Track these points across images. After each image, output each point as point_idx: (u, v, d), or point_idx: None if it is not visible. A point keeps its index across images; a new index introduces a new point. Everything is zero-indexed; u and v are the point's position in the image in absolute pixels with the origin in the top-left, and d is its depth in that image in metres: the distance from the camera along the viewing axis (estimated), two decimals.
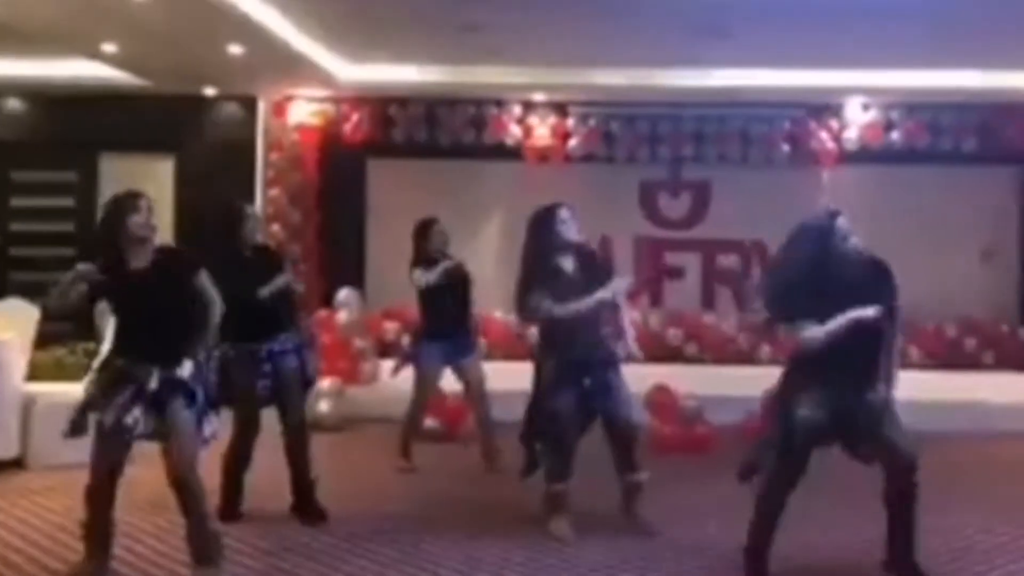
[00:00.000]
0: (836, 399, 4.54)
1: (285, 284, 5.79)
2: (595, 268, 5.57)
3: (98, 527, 4.56)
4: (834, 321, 4.42)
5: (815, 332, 4.45)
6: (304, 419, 5.86)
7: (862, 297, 4.45)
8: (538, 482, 5.61)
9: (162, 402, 4.44)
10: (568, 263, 5.49)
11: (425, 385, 7.09)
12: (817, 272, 4.50)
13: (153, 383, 4.43)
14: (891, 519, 4.66)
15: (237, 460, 5.69)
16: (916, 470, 4.56)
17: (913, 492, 4.58)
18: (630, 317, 5.86)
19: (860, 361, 4.54)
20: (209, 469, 5.62)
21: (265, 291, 5.63)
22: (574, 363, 5.42)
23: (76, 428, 4.53)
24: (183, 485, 4.49)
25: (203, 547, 4.57)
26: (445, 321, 7.00)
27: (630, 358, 5.61)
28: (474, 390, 7.13)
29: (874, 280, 4.57)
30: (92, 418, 4.49)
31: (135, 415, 4.41)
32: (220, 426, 4.75)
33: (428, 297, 7.02)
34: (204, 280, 4.63)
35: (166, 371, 4.46)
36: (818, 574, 4.97)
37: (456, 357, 7.03)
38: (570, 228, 5.50)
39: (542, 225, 5.51)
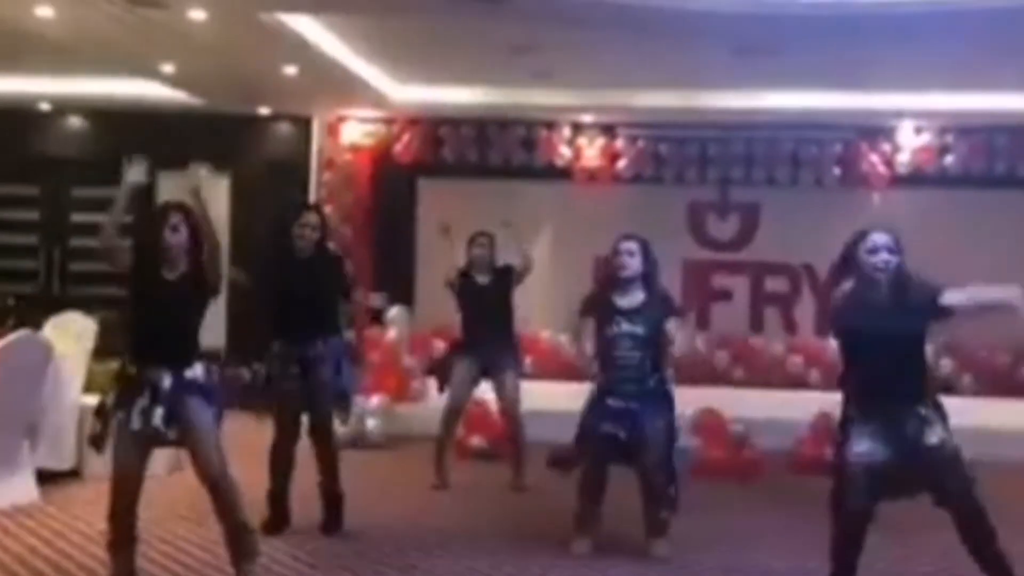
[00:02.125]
0: (889, 432, 4.31)
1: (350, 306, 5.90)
2: (653, 312, 5.53)
3: (119, 535, 4.57)
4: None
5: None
6: (329, 431, 5.84)
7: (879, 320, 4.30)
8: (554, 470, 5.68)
9: (179, 403, 4.48)
10: (626, 300, 5.51)
11: (453, 396, 7.18)
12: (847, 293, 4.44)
13: (166, 383, 4.47)
14: (968, 547, 4.40)
15: (276, 461, 5.76)
16: (985, 515, 4.31)
17: (988, 533, 4.32)
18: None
19: (892, 383, 4.30)
20: (256, 479, 5.75)
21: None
22: (607, 390, 5.48)
23: (98, 440, 4.57)
24: (215, 486, 4.52)
25: (241, 548, 4.60)
26: (478, 334, 7.10)
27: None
28: (503, 406, 7.19)
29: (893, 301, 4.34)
30: (113, 425, 4.51)
31: (159, 416, 4.45)
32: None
33: (461, 309, 7.15)
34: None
35: (177, 373, 4.50)
36: None
37: (491, 370, 7.11)
38: (628, 263, 5.51)
39: (609, 257, 5.60)
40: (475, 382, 7.24)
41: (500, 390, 7.16)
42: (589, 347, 5.62)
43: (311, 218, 5.86)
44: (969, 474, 4.34)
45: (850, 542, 4.39)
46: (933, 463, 4.30)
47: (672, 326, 5.53)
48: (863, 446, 4.31)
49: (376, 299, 5.88)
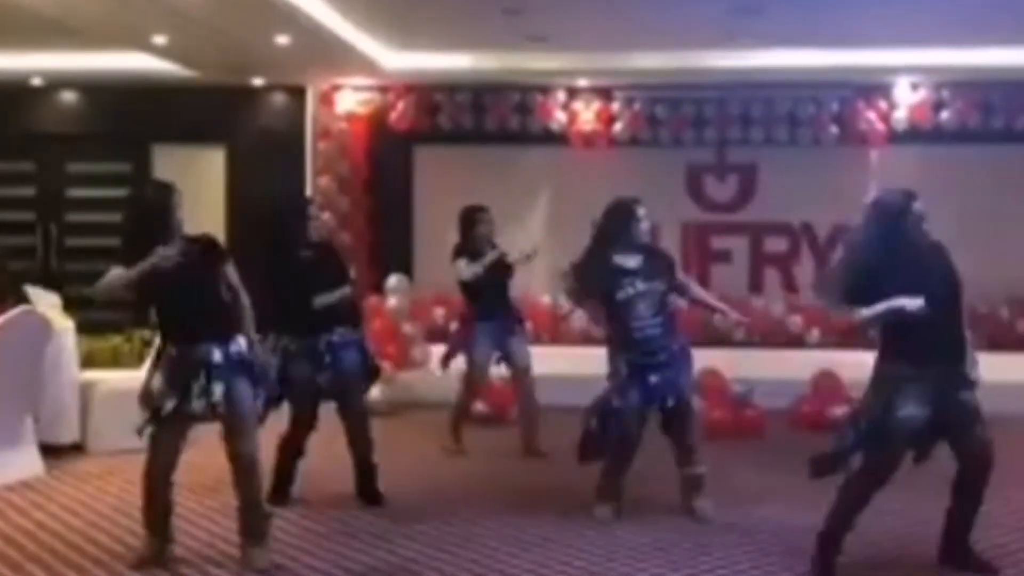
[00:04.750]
0: (934, 393, 4.42)
1: (342, 296, 5.81)
2: (658, 265, 5.57)
3: (158, 510, 4.66)
4: (879, 305, 4.37)
5: (857, 312, 4.42)
6: (365, 410, 5.91)
7: (935, 284, 4.39)
8: (587, 465, 5.65)
9: (228, 377, 4.51)
10: (631, 260, 5.50)
11: (477, 370, 7.15)
12: (890, 256, 4.42)
13: (217, 357, 4.51)
14: (954, 508, 4.57)
15: (290, 451, 5.80)
16: (991, 468, 4.53)
17: (984, 485, 4.53)
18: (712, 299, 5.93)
19: (946, 345, 4.44)
20: (265, 452, 5.78)
21: (319, 301, 5.64)
22: (637, 361, 5.42)
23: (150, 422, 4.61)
24: (249, 463, 4.57)
25: (254, 526, 4.65)
26: (492, 306, 7.07)
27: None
28: (520, 372, 7.18)
29: (940, 266, 4.49)
30: (166, 407, 4.53)
31: (200, 398, 4.49)
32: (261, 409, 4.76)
33: (474, 286, 7.10)
34: (230, 272, 4.69)
35: (226, 348, 4.53)
36: (878, 563, 4.86)
37: (504, 339, 7.09)
38: (646, 228, 5.55)
39: (616, 220, 5.56)
40: (492, 357, 7.20)
41: (512, 357, 7.16)
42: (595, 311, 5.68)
43: (313, 210, 5.95)
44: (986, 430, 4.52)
45: (866, 499, 4.53)
46: (958, 417, 4.47)
47: (680, 275, 5.72)
48: (908, 410, 4.40)
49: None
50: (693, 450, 5.55)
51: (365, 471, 5.84)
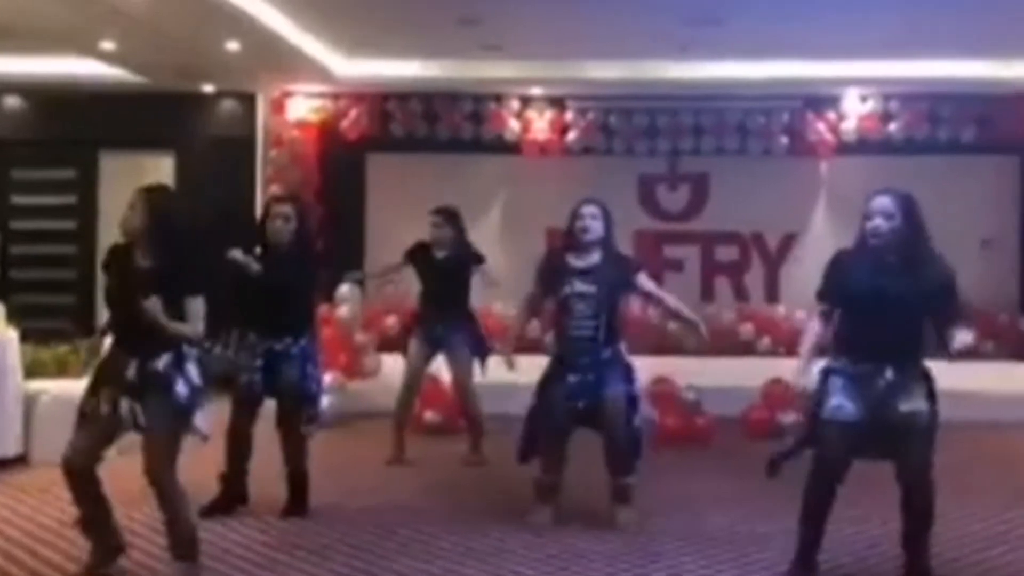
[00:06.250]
0: (867, 392, 4.33)
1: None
2: (612, 267, 5.52)
3: (86, 511, 4.54)
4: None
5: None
6: (297, 426, 5.75)
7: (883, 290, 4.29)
8: (526, 464, 5.66)
9: (140, 394, 4.42)
10: (581, 260, 5.48)
11: (407, 369, 7.15)
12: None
13: (131, 373, 4.41)
14: (904, 528, 4.50)
15: (231, 446, 5.72)
16: (929, 488, 4.38)
17: (926, 502, 4.40)
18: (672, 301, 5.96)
19: (884, 346, 4.32)
20: (212, 459, 5.70)
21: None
22: (563, 359, 5.48)
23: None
24: (153, 482, 4.47)
25: (177, 544, 4.54)
26: (432, 309, 7.08)
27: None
28: (454, 379, 7.19)
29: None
30: (99, 403, 4.46)
31: (125, 406, 4.41)
32: (209, 422, 4.61)
33: (419, 283, 7.11)
34: (196, 306, 4.47)
35: (144, 363, 4.42)
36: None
37: (443, 343, 7.07)
38: (591, 226, 5.47)
39: (569, 220, 5.56)
40: (428, 357, 7.21)
41: (451, 365, 7.15)
42: (523, 319, 5.89)
43: (283, 209, 5.78)
44: (931, 456, 4.38)
45: (821, 495, 4.42)
46: (898, 430, 4.34)
47: (643, 280, 5.65)
48: (836, 400, 4.37)
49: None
50: (620, 460, 5.48)
51: (291, 483, 5.76)
